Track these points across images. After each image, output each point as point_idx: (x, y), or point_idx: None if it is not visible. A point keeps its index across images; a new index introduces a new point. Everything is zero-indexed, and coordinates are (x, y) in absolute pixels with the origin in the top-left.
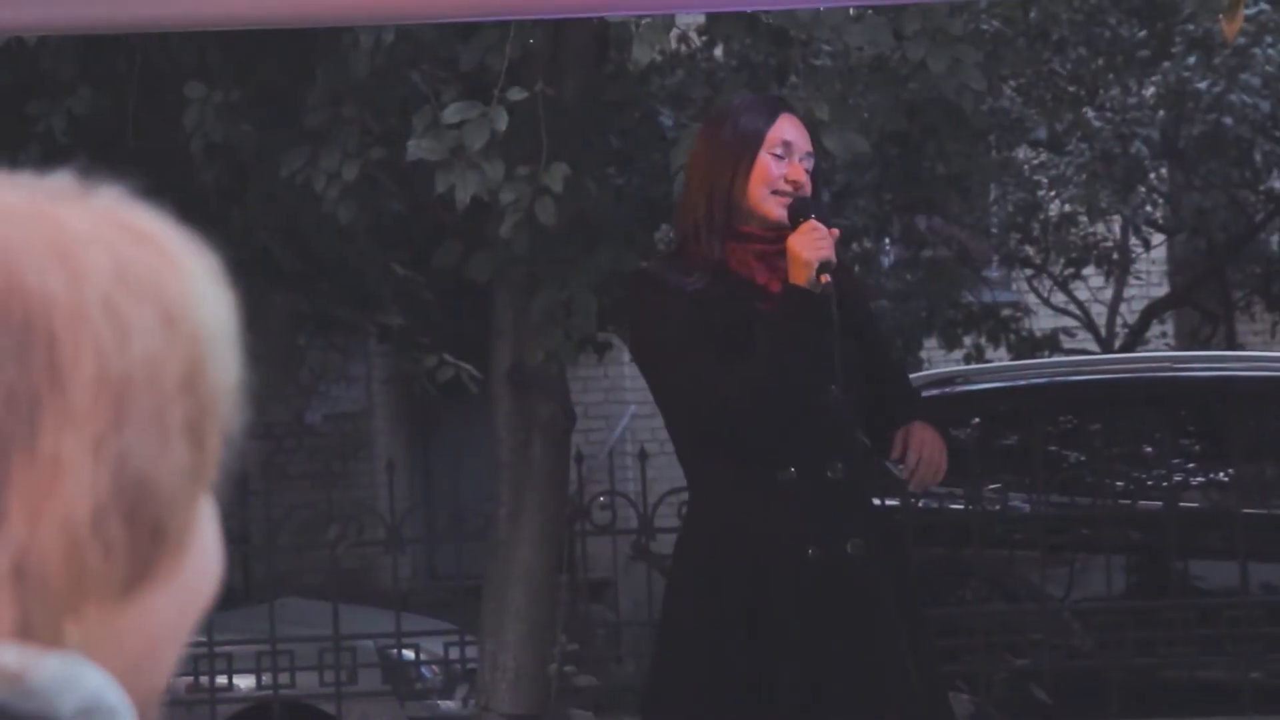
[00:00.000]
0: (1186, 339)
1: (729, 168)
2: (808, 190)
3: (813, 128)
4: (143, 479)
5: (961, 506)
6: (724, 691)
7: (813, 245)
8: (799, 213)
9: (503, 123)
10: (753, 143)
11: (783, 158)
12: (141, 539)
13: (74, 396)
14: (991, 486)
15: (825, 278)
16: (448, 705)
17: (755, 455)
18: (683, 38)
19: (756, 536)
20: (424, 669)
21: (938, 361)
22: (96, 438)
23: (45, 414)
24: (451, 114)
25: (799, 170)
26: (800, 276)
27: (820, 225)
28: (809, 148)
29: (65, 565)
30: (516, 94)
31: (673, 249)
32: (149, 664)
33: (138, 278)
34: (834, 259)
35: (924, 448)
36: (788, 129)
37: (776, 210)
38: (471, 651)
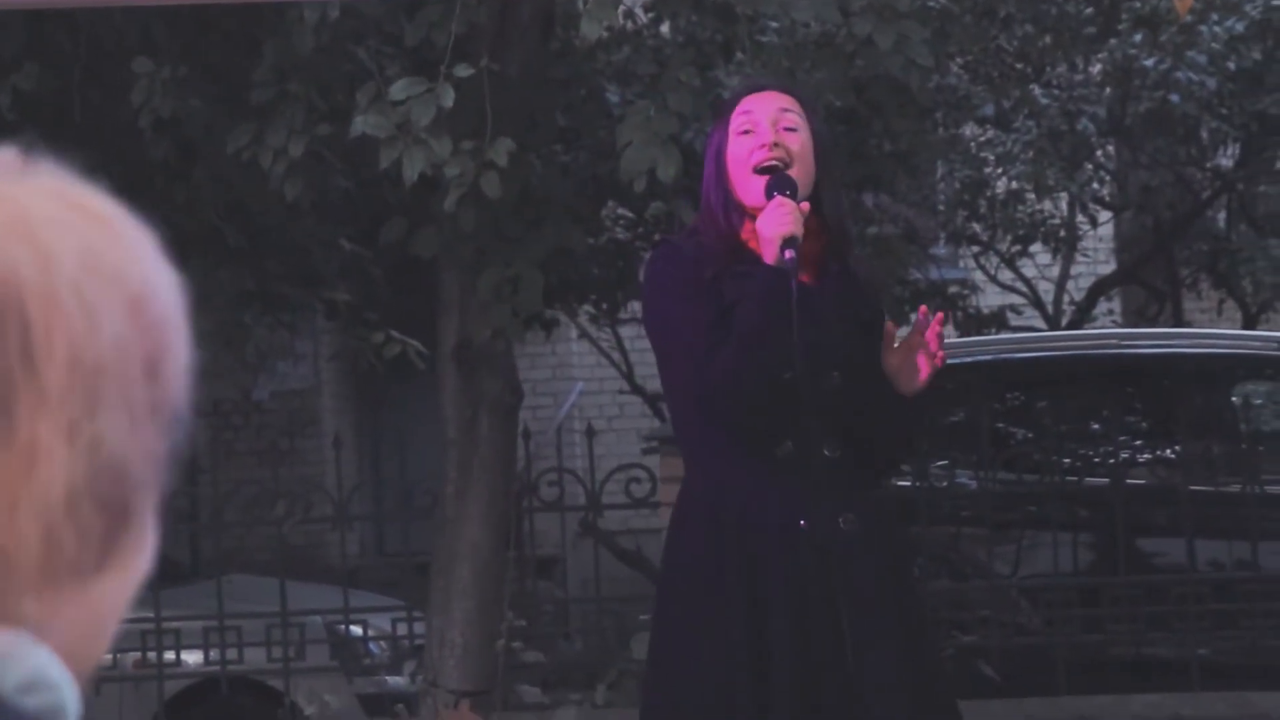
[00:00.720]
0: (1133, 316)
1: (714, 167)
2: (790, 149)
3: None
4: (115, 464)
5: (908, 483)
6: (717, 663)
7: (775, 221)
8: (770, 189)
9: (449, 99)
10: (722, 135)
11: (750, 131)
12: (112, 524)
13: (48, 381)
14: (938, 463)
15: (789, 253)
16: (395, 681)
17: (752, 430)
18: (629, 14)
19: (749, 508)
20: (372, 645)
21: None
22: (71, 423)
23: (20, 398)
24: (398, 90)
25: (766, 133)
26: (770, 255)
27: (787, 200)
28: (781, 104)
29: (40, 551)
30: (463, 71)
31: (695, 224)
32: (92, 640)
33: (103, 263)
34: (798, 233)
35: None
36: (746, 103)
37: (759, 195)
38: (419, 628)
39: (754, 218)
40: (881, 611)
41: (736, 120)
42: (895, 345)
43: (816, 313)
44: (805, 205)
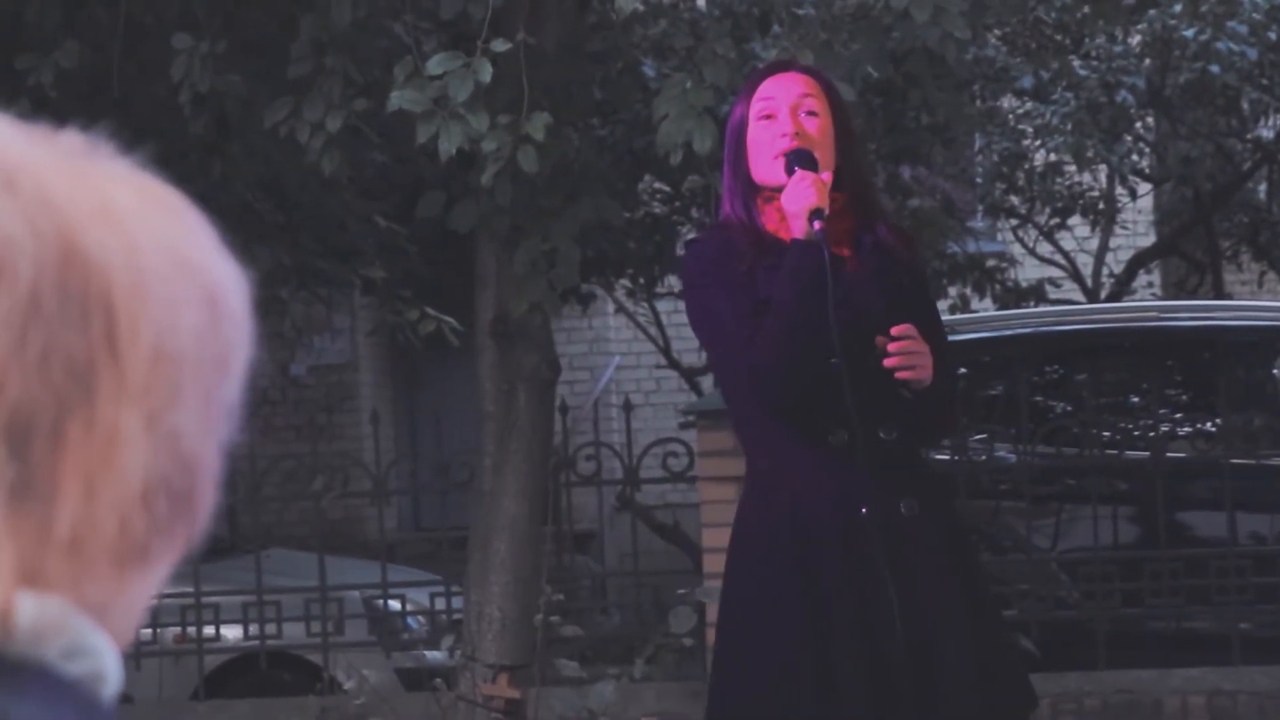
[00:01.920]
0: (1173, 289)
1: (733, 147)
2: (811, 135)
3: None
4: (189, 456)
5: (947, 457)
6: (779, 654)
7: (799, 195)
8: (790, 166)
9: (486, 74)
10: (741, 118)
11: (771, 116)
12: (180, 514)
13: (130, 370)
14: (977, 437)
15: (817, 224)
16: (434, 655)
17: (806, 420)
18: None
19: (806, 497)
20: (410, 619)
21: None
22: (152, 414)
23: (101, 385)
24: (435, 65)
25: (787, 121)
26: (798, 229)
27: (808, 173)
28: (801, 89)
29: (114, 540)
30: (500, 45)
31: (720, 219)
32: (135, 617)
33: (184, 257)
34: (823, 205)
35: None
36: (767, 86)
37: (780, 175)
38: (457, 602)
39: (777, 204)
40: (948, 592)
41: (757, 105)
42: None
43: (852, 292)
44: (827, 175)
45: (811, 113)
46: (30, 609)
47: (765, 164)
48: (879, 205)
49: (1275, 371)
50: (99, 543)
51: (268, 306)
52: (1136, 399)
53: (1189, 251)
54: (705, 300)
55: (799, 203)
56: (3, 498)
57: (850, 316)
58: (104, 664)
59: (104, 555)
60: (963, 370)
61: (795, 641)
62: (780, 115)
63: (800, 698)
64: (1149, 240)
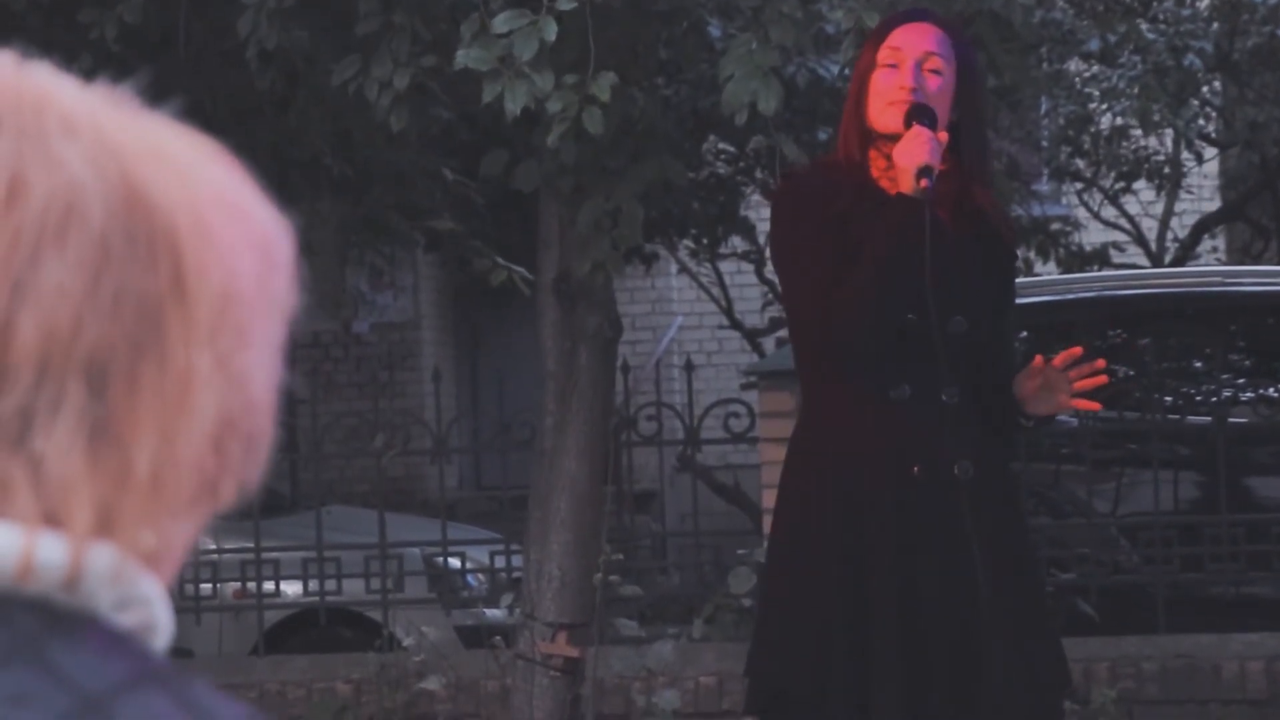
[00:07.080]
0: (1238, 254)
1: (856, 89)
2: (930, 93)
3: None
4: (256, 399)
5: None
6: (823, 605)
7: (911, 151)
8: (909, 119)
9: (551, 33)
10: (868, 63)
11: (895, 66)
12: (248, 457)
13: (199, 312)
14: None
15: (924, 182)
16: (493, 613)
17: (870, 371)
18: None
19: (865, 452)
20: (470, 577)
21: None
22: (221, 355)
23: (171, 327)
24: (500, 23)
25: (907, 75)
26: (905, 185)
27: (924, 130)
28: (928, 47)
29: (190, 479)
30: (566, 4)
31: (830, 154)
32: (183, 559)
33: (235, 202)
34: (935, 164)
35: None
36: (897, 35)
37: (894, 123)
38: (517, 560)
39: (885, 151)
40: (993, 565)
41: (884, 52)
42: (1036, 376)
43: (946, 253)
44: (943, 135)
45: (935, 71)
46: (102, 561)
47: (881, 110)
48: (987, 173)
49: None
50: (175, 484)
51: (335, 262)
52: (1199, 364)
53: (1254, 217)
54: (793, 237)
55: (910, 158)
56: (84, 441)
57: (941, 278)
58: (155, 614)
59: (178, 497)
60: (1025, 334)
61: (832, 602)
62: (905, 67)
63: (833, 664)
64: (1214, 205)
